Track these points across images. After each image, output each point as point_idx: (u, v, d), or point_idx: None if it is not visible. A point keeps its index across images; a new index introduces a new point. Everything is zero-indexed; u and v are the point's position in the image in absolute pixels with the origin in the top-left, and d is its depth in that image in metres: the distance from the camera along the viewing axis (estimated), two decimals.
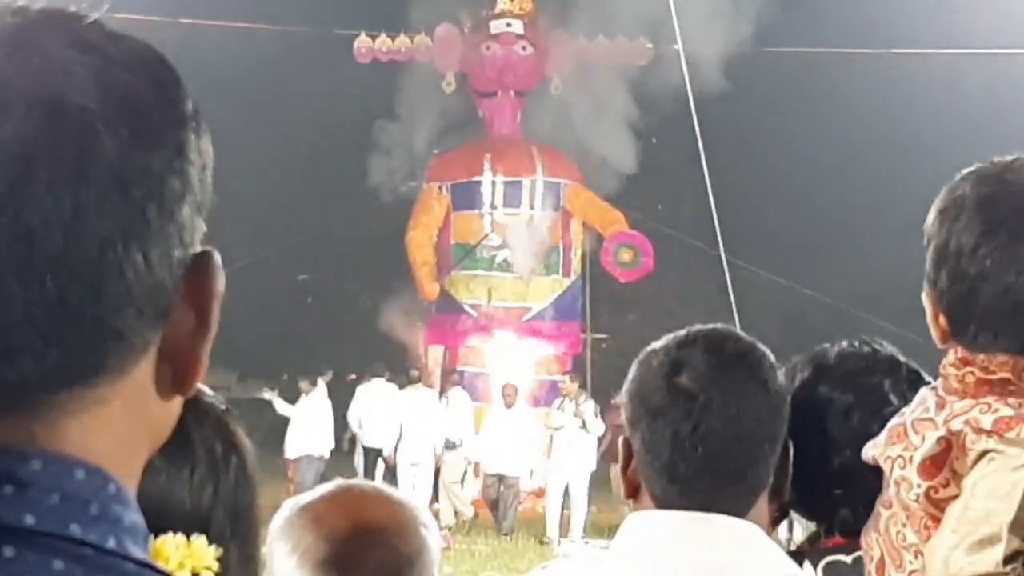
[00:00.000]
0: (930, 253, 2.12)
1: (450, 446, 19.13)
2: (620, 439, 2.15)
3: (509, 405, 19.02)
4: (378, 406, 19.24)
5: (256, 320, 26.06)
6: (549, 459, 18.86)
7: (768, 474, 2.09)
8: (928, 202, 2.15)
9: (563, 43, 22.83)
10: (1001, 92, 25.58)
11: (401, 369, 20.51)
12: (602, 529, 18.30)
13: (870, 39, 26.77)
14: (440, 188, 22.59)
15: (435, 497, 19.10)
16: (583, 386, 19.46)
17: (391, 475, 18.50)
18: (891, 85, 27.90)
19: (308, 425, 19.22)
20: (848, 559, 2.33)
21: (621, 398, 2.15)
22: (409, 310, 22.53)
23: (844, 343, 2.41)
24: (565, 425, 18.52)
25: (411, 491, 16.73)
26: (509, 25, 22.90)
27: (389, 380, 19.87)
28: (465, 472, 19.38)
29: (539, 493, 19.69)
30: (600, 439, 19.15)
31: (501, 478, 18.68)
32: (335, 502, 1.99)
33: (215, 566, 1.50)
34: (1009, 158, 2.12)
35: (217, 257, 0.92)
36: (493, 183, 22.31)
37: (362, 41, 23.64)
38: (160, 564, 1.08)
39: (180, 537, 1.50)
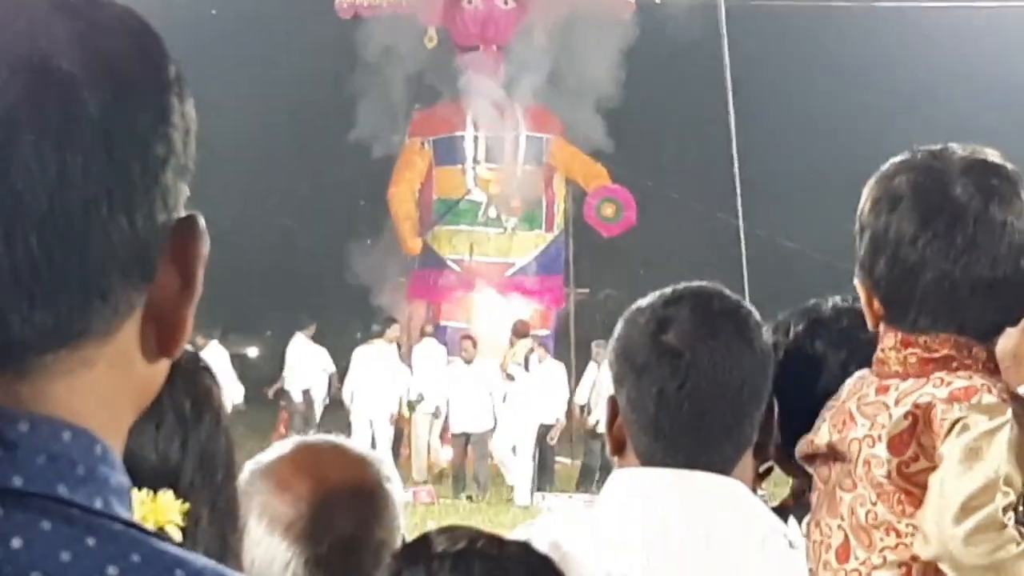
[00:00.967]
0: (865, 241, 2.18)
1: (413, 404, 18.70)
2: (607, 397, 2.17)
3: (468, 360, 18.13)
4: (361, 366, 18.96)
5: (239, 277, 26.03)
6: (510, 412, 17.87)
7: (753, 431, 2.10)
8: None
9: None
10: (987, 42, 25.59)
11: (381, 325, 20.43)
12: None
13: None
14: (422, 143, 22.53)
15: (409, 454, 18.98)
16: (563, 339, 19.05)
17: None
18: (874, 37, 27.90)
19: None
20: None
21: (608, 355, 2.16)
22: (391, 265, 22.50)
23: (837, 298, 2.41)
24: (516, 377, 17.89)
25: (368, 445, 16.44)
26: None
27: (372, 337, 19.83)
28: (431, 427, 19.05)
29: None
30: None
31: (467, 436, 17.92)
32: (296, 463, 1.98)
33: (179, 520, 1.51)
34: (936, 147, 2.18)
35: (201, 221, 0.93)
36: (475, 138, 22.25)
37: None
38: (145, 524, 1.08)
39: (145, 492, 1.50)
